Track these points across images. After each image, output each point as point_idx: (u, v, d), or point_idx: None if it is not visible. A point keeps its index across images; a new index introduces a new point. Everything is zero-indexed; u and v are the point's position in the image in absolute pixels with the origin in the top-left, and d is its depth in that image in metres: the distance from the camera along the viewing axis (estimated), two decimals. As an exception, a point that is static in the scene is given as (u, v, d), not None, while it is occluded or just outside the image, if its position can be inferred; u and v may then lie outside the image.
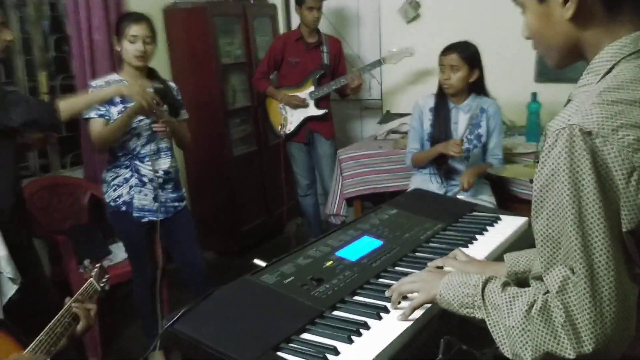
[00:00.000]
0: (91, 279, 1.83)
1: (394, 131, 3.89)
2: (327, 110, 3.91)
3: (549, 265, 1.01)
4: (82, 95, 2.46)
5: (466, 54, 2.83)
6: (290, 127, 3.91)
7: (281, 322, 1.31)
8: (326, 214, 3.85)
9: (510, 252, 1.50)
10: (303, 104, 3.85)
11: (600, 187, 0.94)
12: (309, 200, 4.12)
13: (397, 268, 1.62)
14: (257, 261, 1.62)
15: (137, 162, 2.61)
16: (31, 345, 1.58)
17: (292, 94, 3.85)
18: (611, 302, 0.94)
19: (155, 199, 2.65)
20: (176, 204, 2.74)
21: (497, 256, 1.70)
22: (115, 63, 3.26)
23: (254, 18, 4.30)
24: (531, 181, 2.66)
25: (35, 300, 2.33)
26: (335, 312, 1.37)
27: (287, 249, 2.94)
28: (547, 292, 1.02)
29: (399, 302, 1.35)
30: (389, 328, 1.29)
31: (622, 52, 1.02)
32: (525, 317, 1.03)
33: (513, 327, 1.04)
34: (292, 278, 1.51)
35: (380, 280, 1.54)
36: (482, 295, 1.13)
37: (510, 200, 3.25)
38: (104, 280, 1.87)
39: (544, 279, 1.02)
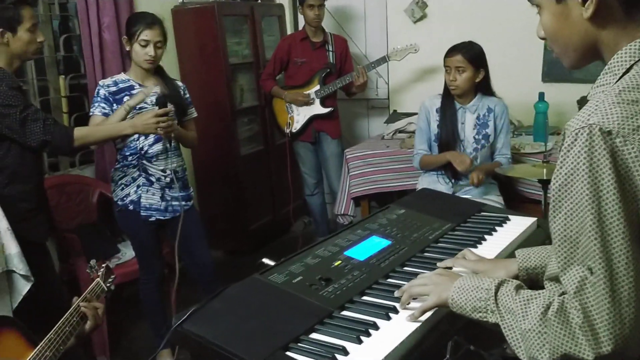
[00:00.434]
0: (98, 278, 1.84)
1: (400, 130, 3.88)
2: (332, 109, 3.91)
3: (566, 265, 1.00)
4: (99, 127, 2.46)
5: (471, 54, 2.82)
6: (297, 126, 3.91)
7: (290, 322, 1.31)
8: (333, 214, 3.85)
9: (520, 251, 1.50)
10: (308, 101, 3.84)
11: (620, 186, 0.93)
12: (316, 199, 4.12)
13: (405, 268, 1.61)
14: (265, 260, 1.62)
15: (144, 162, 2.62)
16: (40, 344, 1.59)
17: (297, 92, 3.85)
18: (630, 303, 0.94)
19: (162, 198, 2.66)
20: (184, 203, 2.75)
21: (506, 257, 1.70)
22: (125, 62, 3.28)
23: (261, 18, 4.31)
24: (539, 181, 2.67)
25: (47, 298, 2.35)
26: (344, 312, 1.37)
27: (294, 248, 2.96)
28: (563, 293, 1.02)
29: (408, 303, 1.35)
30: (398, 329, 1.29)
31: None
32: (541, 319, 1.02)
33: (529, 330, 1.04)
34: (300, 277, 1.51)
35: (389, 280, 1.54)
36: (496, 299, 1.13)
37: (517, 200, 3.25)
38: (110, 280, 1.89)
39: (561, 278, 1.01)
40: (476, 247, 1.74)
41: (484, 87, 2.92)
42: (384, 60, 3.80)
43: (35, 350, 1.58)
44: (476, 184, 2.81)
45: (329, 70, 3.87)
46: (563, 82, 3.62)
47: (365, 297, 1.45)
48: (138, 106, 2.52)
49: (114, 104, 2.55)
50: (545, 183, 2.64)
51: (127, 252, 3.13)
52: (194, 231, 2.78)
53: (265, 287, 1.48)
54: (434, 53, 3.52)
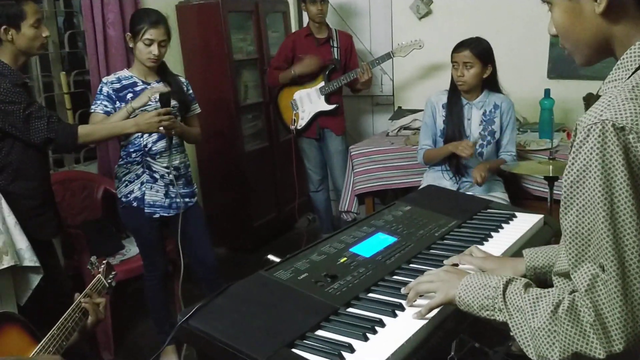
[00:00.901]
0: (99, 275, 1.85)
1: (405, 127, 3.87)
2: (337, 105, 3.89)
3: (577, 263, 0.99)
4: (103, 125, 2.45)
5: (479, 50, 2.80)
6: (302, 122, 3.90)
7: (296, 319, 1.31)
8: (338, 210, 3.84)
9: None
10: (319, 64, 3.78)
11: (633, 183, 0.92)
12: (320, 195, 4.11)
13: (411, 265, 1.61)
14: (271, 257, 1.62)
15: (148, 159, 2.62)
16: (44, 340, 1.60)
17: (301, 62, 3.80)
18: None
19: (166, 195, 2.65)
20: (187, 199, 2.74)
21: (512, 254, 1.69)
22: (130, 59, 3.27)
23: (266, 14, 4.29)
24: (545, 178, 2.66)
25: (54, 294, 2.36)
26: (350, 309, 1.37)
27: (298, 245, 2.95)
28: (573, 291, 1.01)
29: (415, 300, 1.34)
30: (404, 326, 1.28)
31: None
32: (551, 317, 1.01)
33: (538, 328, 1.03)
34: (306, 274, 1.51)
35: (395, 277, 1.53)
36: (504, 297, 1.12)
37: (522, 197, 3.24)
38: (110, 276, 1.90)
39: (572, 276, 1.01)
40: (482, 244, 1.73)
41: (491, 83, 2.91)
42: (388, 56, 3.79)
43: (39, 345, 1.59)
44: (480, 183, 2.80)
45: (333, 66, 3.86)
46: (569, 78, 3.60)
47: (371, 294, 1.44)
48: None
49: (117, 102, 2.54)
50: (551, 180, 2.62)
51: (131, 249, 3.14)
52: (197, 230, 2.77)
53: (271, 283, 1.48)
54: (438, 50, 3.50)
